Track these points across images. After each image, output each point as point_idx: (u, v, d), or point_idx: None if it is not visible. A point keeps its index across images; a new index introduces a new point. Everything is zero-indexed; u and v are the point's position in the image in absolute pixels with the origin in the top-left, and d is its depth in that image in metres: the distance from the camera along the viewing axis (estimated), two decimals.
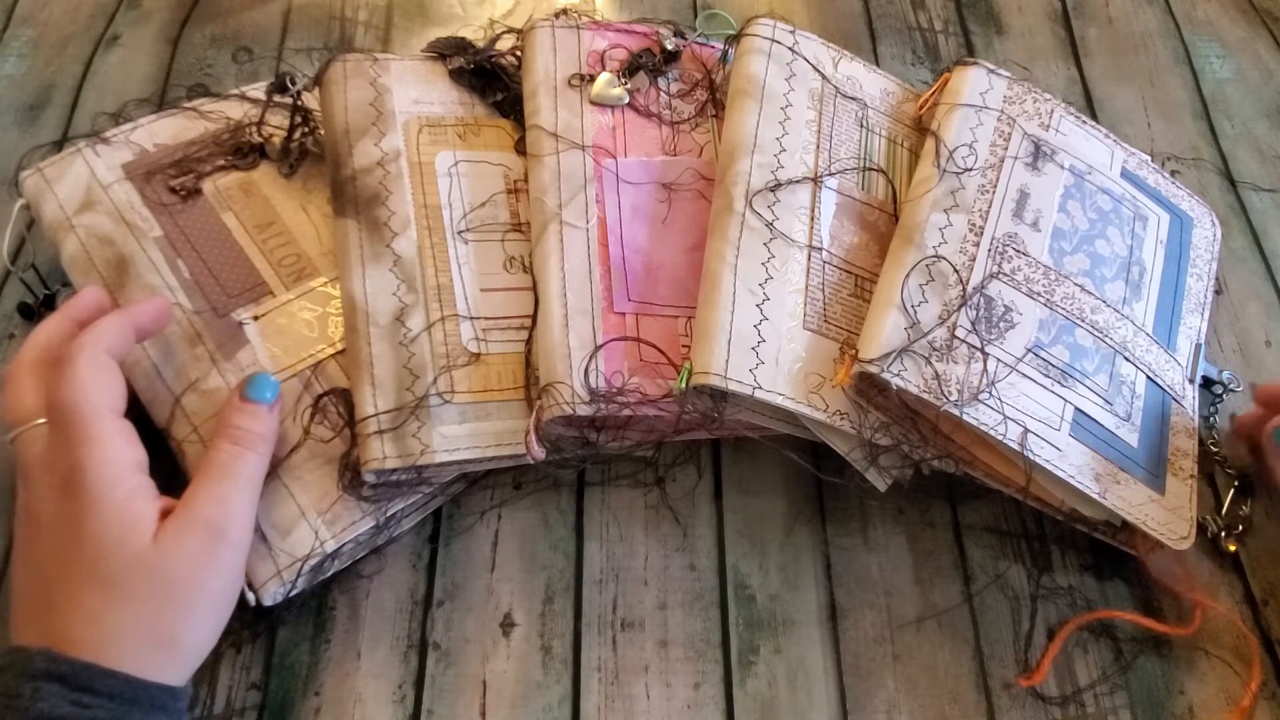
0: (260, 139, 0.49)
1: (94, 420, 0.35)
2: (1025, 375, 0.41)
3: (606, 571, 0.42)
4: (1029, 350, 0.42)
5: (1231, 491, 0.45)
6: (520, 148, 0.47)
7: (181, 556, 0.34)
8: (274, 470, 0.40)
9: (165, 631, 0.34)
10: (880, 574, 0.43)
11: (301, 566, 0.39)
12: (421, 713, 0.39)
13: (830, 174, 0.45)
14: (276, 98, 0.49)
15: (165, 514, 0.36)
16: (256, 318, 0.44)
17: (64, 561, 0.34)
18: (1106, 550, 0.43)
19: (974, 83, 0.48)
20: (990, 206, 0.44)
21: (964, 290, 0.42)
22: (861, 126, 0.47)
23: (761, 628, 0.41)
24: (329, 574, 0.40)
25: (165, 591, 0.34)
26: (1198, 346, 0.46)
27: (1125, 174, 0.49)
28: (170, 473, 0.43)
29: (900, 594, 0.43)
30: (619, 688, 0.40)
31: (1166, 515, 0.41)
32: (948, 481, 0.44)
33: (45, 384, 0.37)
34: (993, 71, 0.48)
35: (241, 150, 0.49)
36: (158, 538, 0.34)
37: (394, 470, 0.40)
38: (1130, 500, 0.41)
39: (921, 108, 0.49)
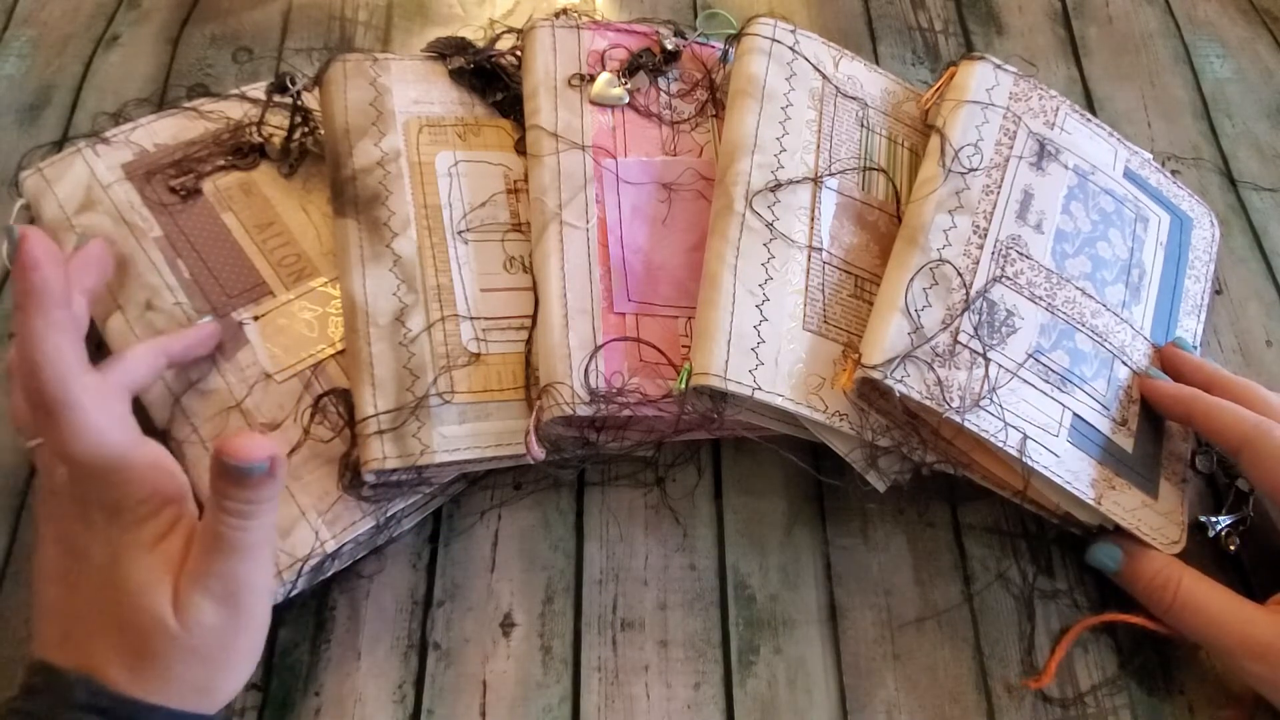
0: (260, 139, 0.49)
1: (121, 464, 0.33)
2: (1026, 381, 0.41)
3: (606, 571, 0.42)
4: (1030, 355, 0.42)
5: (1232, 492, 0.45)
6: (520, 148, 0.47)
7: (206, 634, 0.33)
8: None
9: (201, 684, 0.34)
10: (880, 574, 0.43)
11: (301, 567, 0.39)
12: (421, 713, 0.39)
13: (830, 174, 0.45)
14: (276, 98, 0.49)
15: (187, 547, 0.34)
16: (256, 318, 0.44)
17: (103, 605, 0.33)
18: None
19: (980, 78, 0.48)
20: (995, 208, 0.44)
21: (967, 294, 0.42)
22: (862, 126, 0.47)
23: (761, 628, 0.41)
24: (329, 574, 0.40)
25: (196, 662, 0.34)
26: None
27: (1128, 174, 0.49)
28: None
29: (900, 594, 0.43)
30: (619, 688, 0.40)
31: (1159, 520, 0.41)
32: (948, 482, 0.44)
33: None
34: (999, 67, 0.48)
35: (241, 150, 0.49)
36: (179, 615, 0.33)
37: (394, 470, 0.40)
38: (1124, 506, 0.41)
39: (926, 103, 0.49)
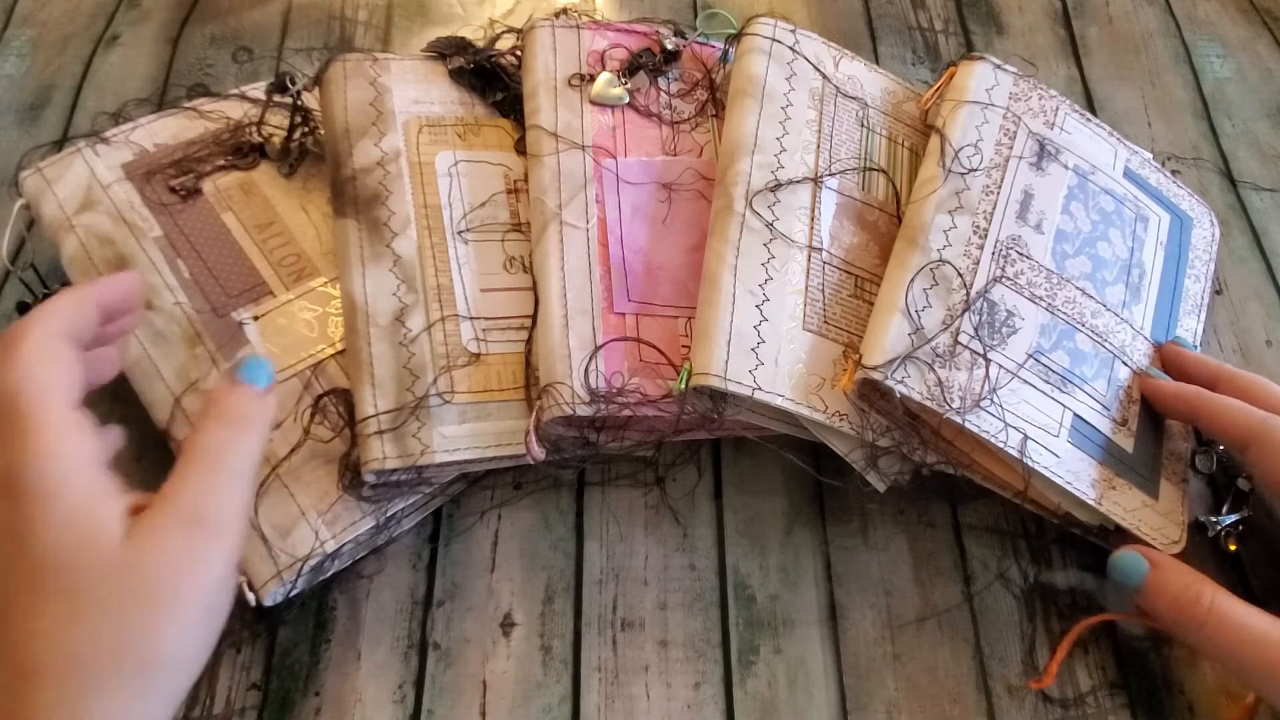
0: (260, 139, 0.49)
1: (38, 410, 0.29)
2: (1026, 381, 0.41)
3: (606, 571, 0.42)
4: (1030, 356, 0.42)
5: (1232, 491, 0.45)
6: (520, 148, 0.47)
7: (159, 556, 0.29)
8: (274, 471, 0.40)
9: (144, 647, 0.28)
10: (880, 574, 0.43)
11: (301, 567, 0.39)
12: (421, 713, 0.39)
13: (831, 174, 0.45)
14: (276, 98, 0.49)
15: (139, 510, 0.30)
16: (256, 318, 0.44)
17: (12, 576, 0.28)
18: (1106, 551, 0.43)
19: (980, 78, 0.48)
20: (995, 208, 0.44)
21: (968, 295, 0.42)
22: (862, 126, 0.47)
23: (761, 628, 0.41)
24: (329, 574, 0.41)
25: (142, 598, 0.28)
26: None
27: (1128, 173, 0.49)
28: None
29: (900, 594, 0.43)
30: (619, 688, 0.40)
31: (1159, 520, 0.41)
32: (948, 482, 0.44)
33: None
34: (999, 67, 0.48)
35: (241, 150, 0.49)
36: (130, 537, 0.29)
37: (394, 470, 0.40)
38: (1125, 506, 0.41)
39: (926, 103, 0.49)
